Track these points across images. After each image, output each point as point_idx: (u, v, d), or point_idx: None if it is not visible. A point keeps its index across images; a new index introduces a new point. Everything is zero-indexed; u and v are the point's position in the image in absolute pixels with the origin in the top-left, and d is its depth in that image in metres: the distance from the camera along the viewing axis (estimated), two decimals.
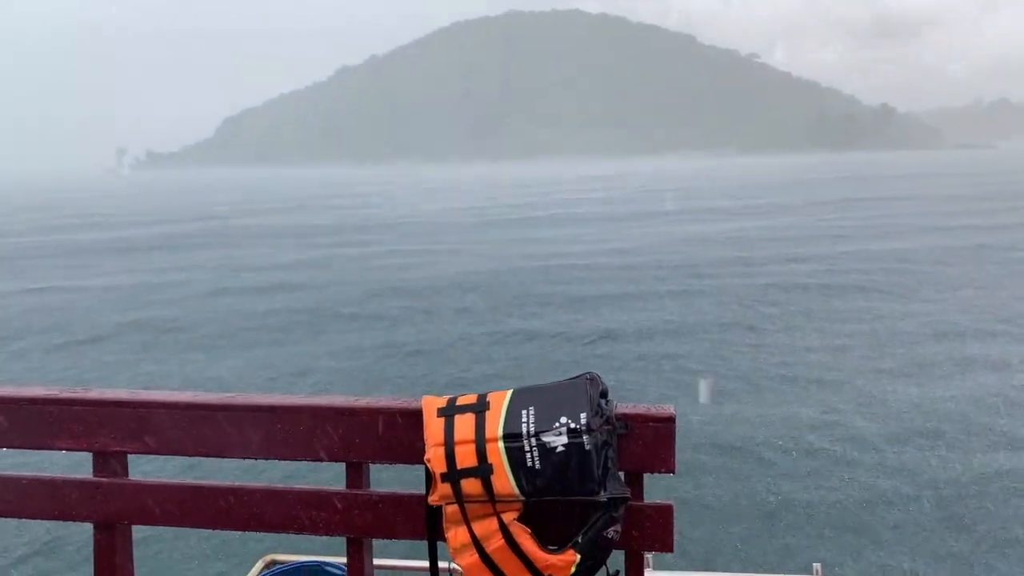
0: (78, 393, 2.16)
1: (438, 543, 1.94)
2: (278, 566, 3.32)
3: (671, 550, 1.92)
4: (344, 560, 3.31)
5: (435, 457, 1.81)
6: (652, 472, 1.91)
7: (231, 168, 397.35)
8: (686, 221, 43.02)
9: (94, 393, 2.17)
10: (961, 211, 43.76)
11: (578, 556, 1.79)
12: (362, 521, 2.06)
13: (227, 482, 2.19)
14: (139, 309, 20.90)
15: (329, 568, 3.27)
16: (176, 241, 38.42)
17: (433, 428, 1.86)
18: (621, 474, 1.89)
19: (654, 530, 1.92)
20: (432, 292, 22.13)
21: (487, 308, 19.72)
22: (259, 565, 3.39)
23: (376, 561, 2.27)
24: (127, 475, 2.20)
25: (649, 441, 1.89)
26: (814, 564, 3.04)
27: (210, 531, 6.96)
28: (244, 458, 2.13)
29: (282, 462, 2.19)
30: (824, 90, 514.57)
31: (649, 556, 2.48)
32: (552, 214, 50.85)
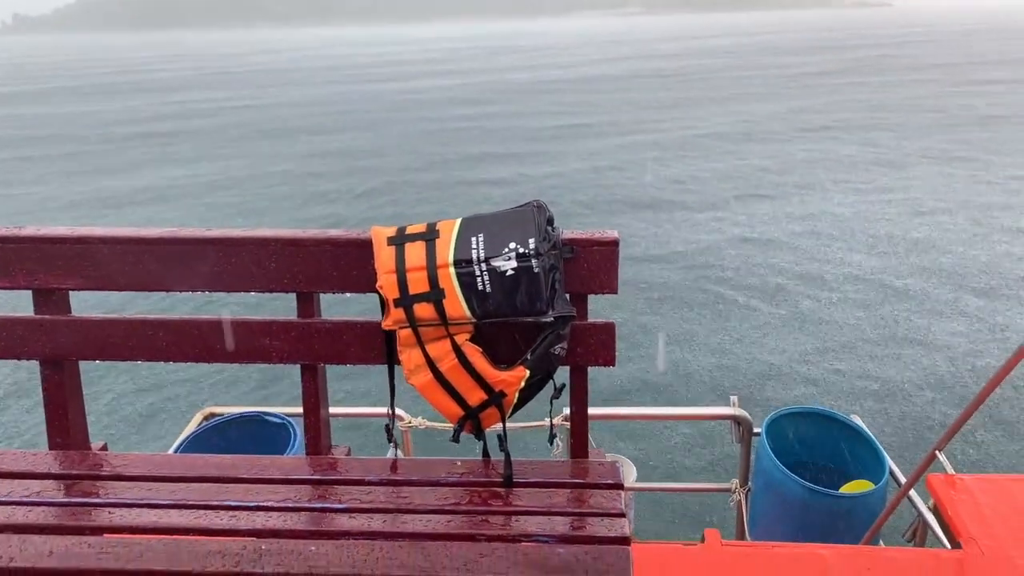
0: (12, 231, 2.09)
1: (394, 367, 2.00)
2: (216, 418, 3.35)
3: (613, 364, 2.05)
4: (283, 410, 3.38)
5: (387, 284, 1.86)
6: (596, 293, 2.01)
7: (102, 33, 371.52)
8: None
9: (29, 230, 2.10)
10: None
11: (527, 372, 1.89)
12: (316, 347, 2.09)
13: (174, 315, 2.17)
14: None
15: (269, 417, 3.33)
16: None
17: (384, 256, 1.89)
18: (568, 296, 1.98)
19: (597, 347, 2.03)
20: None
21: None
22: (198, 417, 3.40)
23: (332, 409, 2.32)
24: (70, 312, 2.17)
25: (594, 264, 1.97)
26: (731, 396, 3.26)
27: (149, 386, 7.03)
28: (191, 290, 2.11)
29: (231, 298, 2.20)
30: None
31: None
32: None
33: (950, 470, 2.75)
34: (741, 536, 3.33)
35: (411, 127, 27.13)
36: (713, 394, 7.75)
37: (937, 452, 2.54)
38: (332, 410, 2.31)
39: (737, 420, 3.14)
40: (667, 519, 5.77)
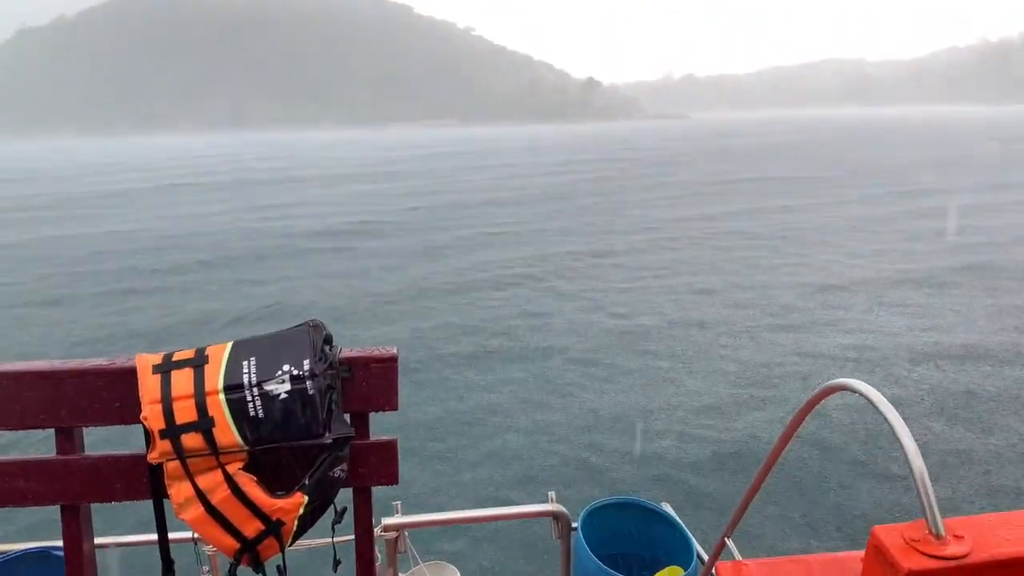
0: None
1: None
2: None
3: (396, 482, 2.05)
4: None
5: (152, 414, 1.78)
6: (377, 411, 2.01)
7: None
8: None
9: None
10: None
11: (306, 498, 1.84)
12: (77, 487, 1.97)
13: None
14: None
15: (56, 552, 3.05)
16: None
17: (149, 385, 1.82)
18: (348, 415, 1.97)
19: (379, 465, 2.03)
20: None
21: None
22: None
23: (99, 540, 2.19)
24: None
25: (373, 381, 1.98)
26: (549, 492, 3.31)
27: None
28: None
29: None
30: (537, 63, 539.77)
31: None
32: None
33: (738, 556, 2.86)
34: None
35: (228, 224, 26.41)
36: (533, 488, 7.83)
37: (726, 539, 2.63)
38: (99, 540, 2.16)
39: (555, 516, 3.18)
40: None
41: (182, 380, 1.81)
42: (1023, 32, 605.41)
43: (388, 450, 2.04)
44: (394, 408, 2.02)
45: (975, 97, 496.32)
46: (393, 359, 2.00)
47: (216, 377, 1.80)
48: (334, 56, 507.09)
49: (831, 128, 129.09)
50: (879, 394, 1.56)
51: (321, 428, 1.82)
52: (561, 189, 40.36)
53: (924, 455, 1.39)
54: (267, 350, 1.85)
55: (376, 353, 2.00)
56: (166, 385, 1.81)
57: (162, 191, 47.70)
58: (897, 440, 1.44)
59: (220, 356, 1.85)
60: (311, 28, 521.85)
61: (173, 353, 1.89)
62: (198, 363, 1.84)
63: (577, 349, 12.32)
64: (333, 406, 1.87)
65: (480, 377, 11.30)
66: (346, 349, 2.00)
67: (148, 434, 1.80)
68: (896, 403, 1.53)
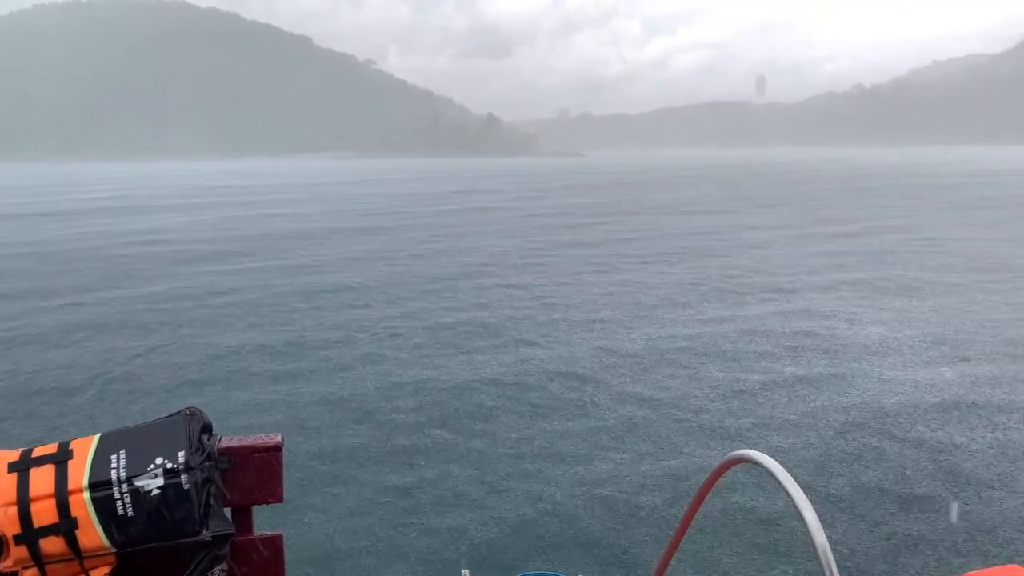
0: None
1: None
2: None
3: None
4: None
5: (5, 518, 1.63)
6: (260, 504, 1.91)
7: None
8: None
9: None
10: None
11: None
12: None
13: None
14: None
15: None
16: None
17: (4, 486, 1.67)
18: (228, 510, 1.86)
19: (263, 563, 1.92)
20: None
21: None
22: None
23: None
24: None
25: (256, 472, 1.88)
26: (463, 571, 3.24)
27: None
28: None
29: None
30: (438, 98, 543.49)
31: None
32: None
33: None
34: None
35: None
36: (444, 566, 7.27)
37: None
38: None
39: None
40: None
41: (42, 478, 1.67)
42: (893, 79, 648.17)
43: (273, 546, 1.93)
44: (279, 500, 1.92)
45: (857, 139, 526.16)
46: (277, 448, 1.90)
47: (80, 473, 1.67)
48: (227, 85, 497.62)
49: (682, 168, 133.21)
50: (780, 466, 1.56)
51: (198, 525, 1.71)
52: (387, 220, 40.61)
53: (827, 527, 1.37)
54: (138, 442, 1.73)
55: (259, 441, 1.90)
56: (23, 485, 1.66)
57: None
58: (799, 514, 1.43)
59: (86, 450, 1.72)
60: (206, 56, 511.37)
61: (32, 449, 1.75)
62: (61, 459, 1.70)
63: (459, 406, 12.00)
64: (212, 500, 1.76)
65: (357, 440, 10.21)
66: (226, 437, 1.89)
67: (2, 540, 1.65)
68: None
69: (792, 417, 10.58)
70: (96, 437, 1.75)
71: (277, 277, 22.90)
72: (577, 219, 40.87)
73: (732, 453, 1.75)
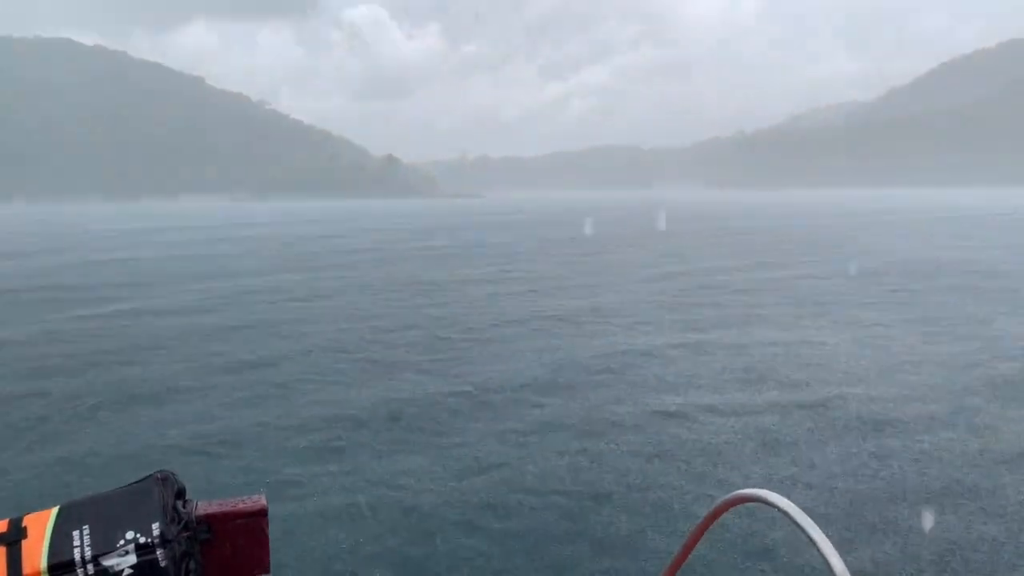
0: None
1: None
2: None
3: None
4: None
5: None
6: None
7: None
8: None
9: None
10: None
11: None
12: None
13: None
14: None
15: None
16: None
17: None
18: None
19: None
20: None
21: None
22: None
23: None
24: None
25: (239, 541, 1.68)
26: None
27: None
28: None
29: None
30: (336, 138, 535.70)
31: None
32: None
33: None
34: None
35: None
36: None
37: None
38: None
39: None
40: None
41: None
42: (773, 127, 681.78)
43: None
44: (266, 571, 1.72)
45: (739, 183, 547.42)
46: (262, 512, 1.70)
47: (37, 555, 1.41)
48: (113, 125, 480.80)
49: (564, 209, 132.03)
50: (795, 505, 1.41)
51: None
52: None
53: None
54: (104, 514, 1.48)
55: (241, 506, 1.69)
56: None
57: None
58: (822, 557, 1.28)
59: (42, 526, 1.45)
60: (91, 94, 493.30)
61: None
62: (13, 539, 1.43)
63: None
64: None
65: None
66: (203, 503, 1.67)
67: None
68: None
69: None
70: (54, 511, 1.50)
71: None
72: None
73: (737, 492, 1.57)
